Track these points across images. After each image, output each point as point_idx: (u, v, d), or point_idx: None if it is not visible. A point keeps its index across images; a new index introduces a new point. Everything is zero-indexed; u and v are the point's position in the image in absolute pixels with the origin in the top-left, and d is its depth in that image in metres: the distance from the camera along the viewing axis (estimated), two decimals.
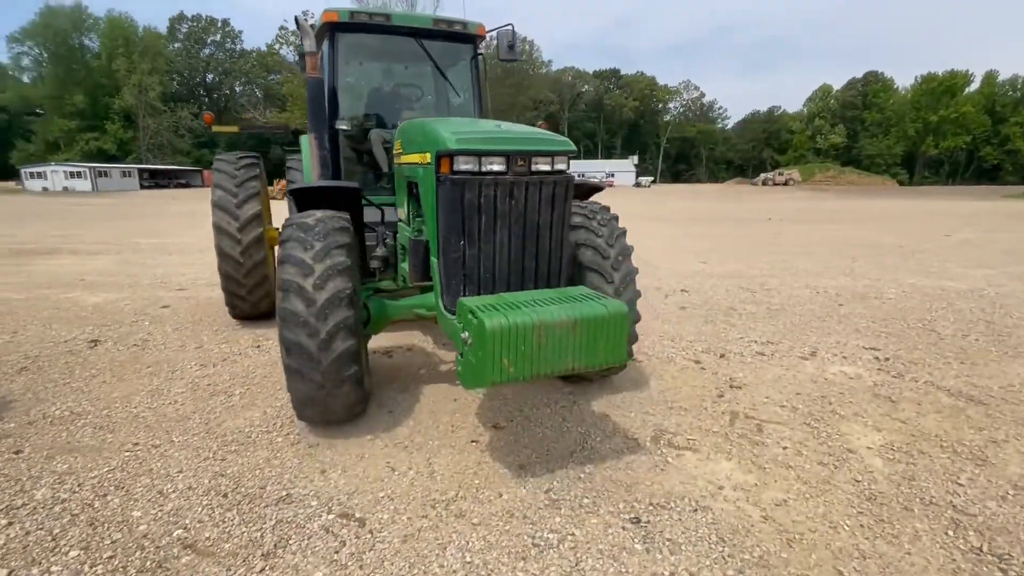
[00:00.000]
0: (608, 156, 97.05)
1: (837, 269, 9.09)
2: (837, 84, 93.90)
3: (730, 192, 52.80)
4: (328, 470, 2.94)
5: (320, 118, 4.31)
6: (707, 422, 3.50)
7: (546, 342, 2.55)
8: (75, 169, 50.57)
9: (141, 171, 55.89)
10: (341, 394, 3.06)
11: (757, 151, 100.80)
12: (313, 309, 2.90)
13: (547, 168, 3.11)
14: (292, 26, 57.11)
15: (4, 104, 61.59)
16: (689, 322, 5.82)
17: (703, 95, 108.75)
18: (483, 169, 2.98)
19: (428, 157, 3.14)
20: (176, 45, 72.08)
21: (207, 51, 75.00)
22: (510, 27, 4.69)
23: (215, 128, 6.43)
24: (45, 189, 49.16)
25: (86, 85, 57.73)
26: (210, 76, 75.55)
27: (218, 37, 75.16)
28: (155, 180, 57.12)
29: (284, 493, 2.73)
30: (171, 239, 13.67)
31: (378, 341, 5.05)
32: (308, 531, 2.44)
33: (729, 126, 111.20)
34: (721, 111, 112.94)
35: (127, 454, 3.10)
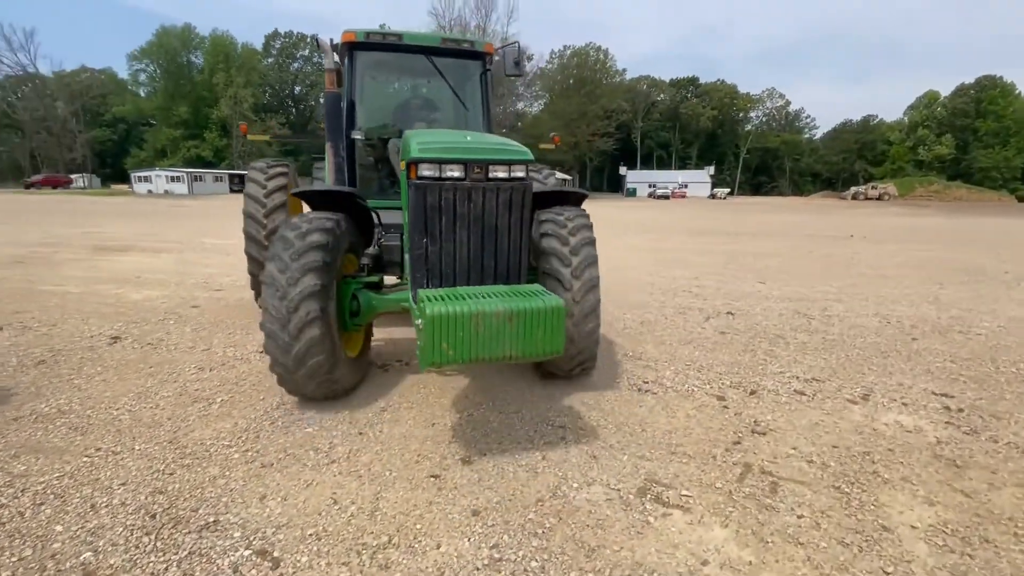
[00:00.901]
0: (683, 166, 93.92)
1: (919, 296, 7.95)
2: (944, 91, 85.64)
3: (814, 206, 49.31)
4: (269, 496, 2.71)
5: (337, 129, 4.67)
6: (711, 474, 2.96)
7: (483, 330, 2.82)
8: (174, 174, 55.54)
9: (231, 176, 60.40)
10: (307, 375, 3.43)
11: (848, 163, 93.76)
12: (285, 303, 3.30)
13: (504, 175, 3.41)
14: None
15: (123, 115, 68.87)
16: (725, 350, 5.18)
17: (788, 103, 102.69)
18: (443, 175, 3.31)
19: (403, 164, 3.43)
20: (269, 60, 77.67)
21: (296, 65, 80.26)
22: (516, 44, 4.97)
23: (249, 137, 7.02)
24: (149, 192, 54.29)
25: (190, 98, 63.38)
26: (297, 88, 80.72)
27: (307, 52, 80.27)
28: (243, 184, 61.45)
29: (213, 519, 2.52)
30: (234, 240, 14.39)
31: (379, 351, 4.86)
32: (215, 568, 2.20)
33: (817, 136, 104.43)
34: (808, 120, 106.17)
35: (84, 460, 3.03)
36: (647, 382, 4.31)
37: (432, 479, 2.89)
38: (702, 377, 4.44)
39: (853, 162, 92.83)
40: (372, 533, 2.44)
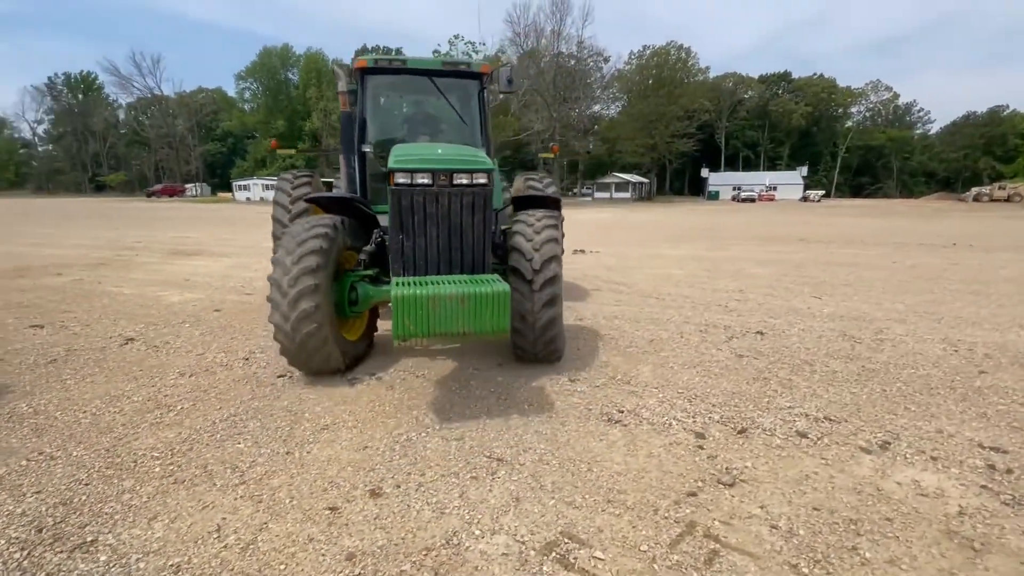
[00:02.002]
0: (772, 168, 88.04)
1: (1011, 319, 6.67)
2: None
3: (923, 209, 44.19)
4: (160, 517, 2.63)
5: (350, 143, 5.27)
6: (642, 533, 2.51)
7: (438, 310, 3.42)
8: (268, 182, 60.16)
9: None
10: (302, 342, 3.99)
11: (971, 160, 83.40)
12: (287, 278, 3.91)
13: (467, 182, 4.01)
14: (444, 48, 61.60)
15: (231, 130, 75.91)
16: (733, 376, 4.56)
17: (896, 96, 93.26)
18: (415, 182, 3.94)
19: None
20: None
21: None
22: (509, 66, 5.42)
23: (279, 151, 7.65)
24: (248, 199, 59.29)
25: (287, 112, 68.54)
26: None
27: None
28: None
29: (91, 539, 2.46)
30: None
31: (382, 361, 4.75)
32: None
33: (932, 132, 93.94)
34: (921, 114, 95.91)
35: (24, 463, 3.12)
36: (622, 411, 3.84)
37: (329, 511, 2.68)
38: (690, 409, 3.89)
39: (977, 159, 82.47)
40: (232, 570, 2.27)
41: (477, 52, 59.45)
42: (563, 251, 7.92)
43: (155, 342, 5.54)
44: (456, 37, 59.63)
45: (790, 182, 76.11)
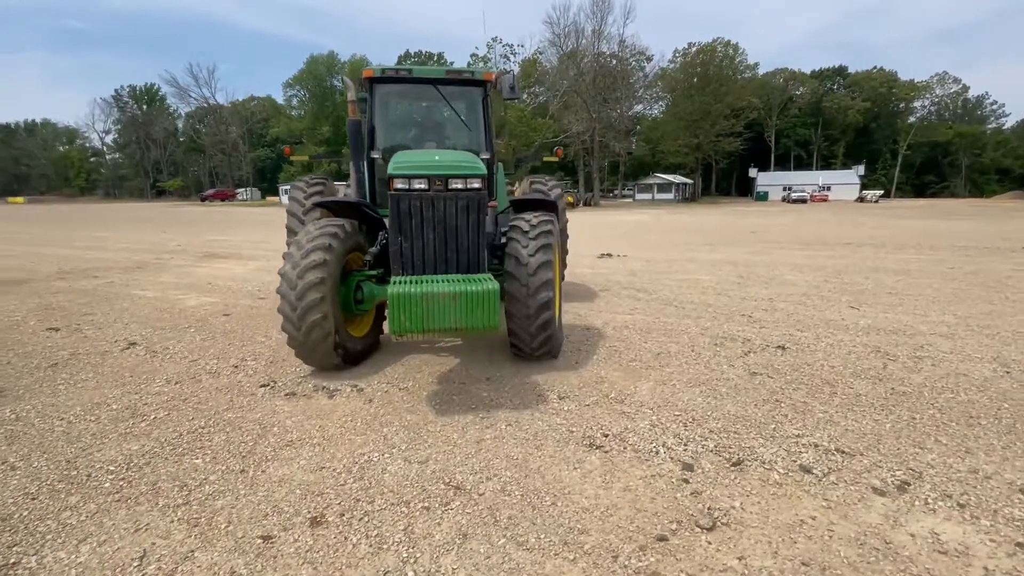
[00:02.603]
0: (826, 167, 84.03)
1: None
2: None
3: (995, 210, 40.96)
4: (89, 539, 2.52)
5: (359, 150, 5.41)
6: None
7: (432, 307, 3.66)
8: None
9: None
10: (307, 332, 4.20)
11: None
12: (296, 271, 4.18)
13: (461, 186, 4.26)
14: (482, 51, 61.87)
15: (278, 136, 78.66)
16: (741, 397, 4.14)
17: (966, 89, 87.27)
18: (412, 187, 4.20)
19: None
20: None
21: None
22: (511, 73, 5.51)
23: (292, 158, 7.84)
24: None
25: (332, 118, 70.36)
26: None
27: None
28: None
29: (14, 560, 2.37)
30: None
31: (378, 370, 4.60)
32: None
33: (1007, 126, 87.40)
34: (995, 108, 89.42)
35: None
36: (607, 435, 3.52)
37: (262, 540, 2.50)
38: (684, 434, 3.53)
39: None
40: None
41: (515, 54, 59.40)
42: (568, 252, 7.97)
43: (156, 347, 5.58)
44: (494, 39, 59.70)
45: (845, 182, 72.36)
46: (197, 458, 3.27)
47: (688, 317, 6.73)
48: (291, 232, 6.43)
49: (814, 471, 3.07)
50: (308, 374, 4.69)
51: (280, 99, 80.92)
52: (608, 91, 61.63)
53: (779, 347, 5.43)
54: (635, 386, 4.40)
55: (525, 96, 66.37)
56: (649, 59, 67.03)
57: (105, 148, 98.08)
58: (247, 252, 14.35)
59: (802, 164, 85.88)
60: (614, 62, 63.99)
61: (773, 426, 3.64)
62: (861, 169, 74.01)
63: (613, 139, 64.20)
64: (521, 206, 5.48)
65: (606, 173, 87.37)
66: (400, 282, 3.79)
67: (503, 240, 4.74)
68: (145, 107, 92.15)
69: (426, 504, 2.78)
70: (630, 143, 72.46)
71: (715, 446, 3.37)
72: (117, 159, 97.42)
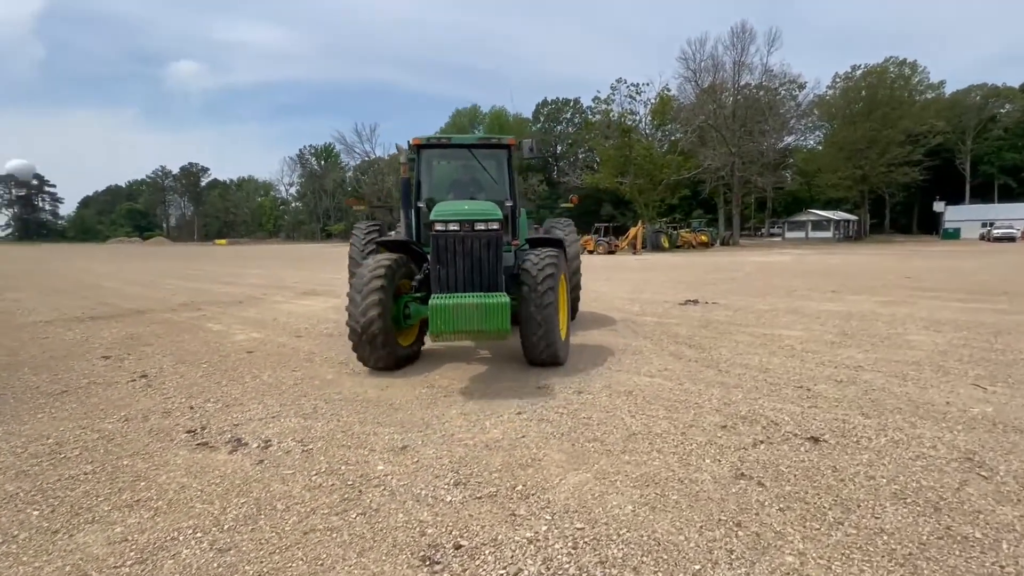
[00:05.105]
0: None
1: None
2: None
3: None
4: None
5: (408, 201, 6.96)
6: None
7: (460, 314, 5.01)
8: None
9: None
10: (369, 346, 5.62)
11: None
12: (360, 294, 5.62)
13: (484, 228, 5.57)
14: (604, 93, 61.81)
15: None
16: (687, 513, 2.96)
17: None
18: (448, 229, 5.55)
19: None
20: (538, 126, 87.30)
21: (559, 127, 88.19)
22: (532, 140, 7.33)
23: (354, 208, 11.60)
24: None
25: None
26: (559, 147, 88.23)
27: (569, 114, 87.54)
28: None
29: None
30: None
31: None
32: None
33: None
34: None
35: None
36: (459, 547, 2.68)
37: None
38: (559, 561, 2.55)
39: None
40: None
41: (640, 93, 58.31)
42: (580, 287, 8.98)
43: (157, 380, 5.89)
44: (618, 81, 59.30)
45: None
46: (34, 510, 3.13)
47: (720, 386, 5.37)
48: (352, 267, 8.14)
49: None
50: (245, 420, 4.50)
51: None
52: (752, 123, 57.37)
53: (811, 438, 3.97)
54: (565, 477, 3.44)
55: (659, 134, 64.82)
56: (802, 87, 61.37)
57: (289, 198, 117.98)
58: (338, 289, 15.35)
59: (1011, 194, 70.56)
60: (761, 92, 59.67)
61: (700, 569, 2.49)
62: None
63: (757, 174, 59.20)
64: (536, 243, 6.70)
65: (752, 210, 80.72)
66: (438, 297, 5.15)
67: (519, 270, 5.90)
68: (323, 163, 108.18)
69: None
70: (781, 177, 66.17)
71: None
72: (297, 207, 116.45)
